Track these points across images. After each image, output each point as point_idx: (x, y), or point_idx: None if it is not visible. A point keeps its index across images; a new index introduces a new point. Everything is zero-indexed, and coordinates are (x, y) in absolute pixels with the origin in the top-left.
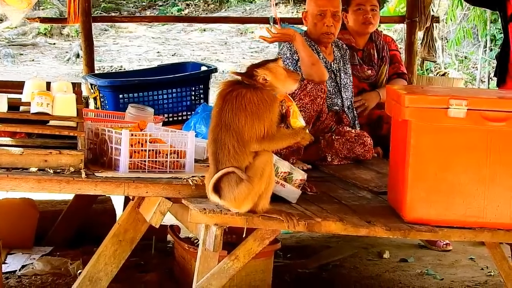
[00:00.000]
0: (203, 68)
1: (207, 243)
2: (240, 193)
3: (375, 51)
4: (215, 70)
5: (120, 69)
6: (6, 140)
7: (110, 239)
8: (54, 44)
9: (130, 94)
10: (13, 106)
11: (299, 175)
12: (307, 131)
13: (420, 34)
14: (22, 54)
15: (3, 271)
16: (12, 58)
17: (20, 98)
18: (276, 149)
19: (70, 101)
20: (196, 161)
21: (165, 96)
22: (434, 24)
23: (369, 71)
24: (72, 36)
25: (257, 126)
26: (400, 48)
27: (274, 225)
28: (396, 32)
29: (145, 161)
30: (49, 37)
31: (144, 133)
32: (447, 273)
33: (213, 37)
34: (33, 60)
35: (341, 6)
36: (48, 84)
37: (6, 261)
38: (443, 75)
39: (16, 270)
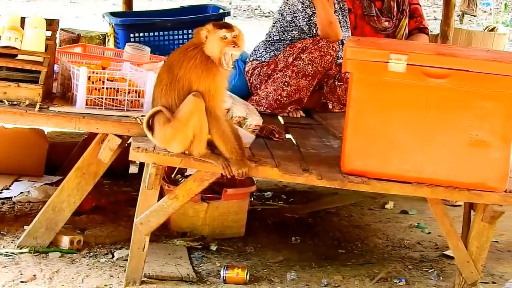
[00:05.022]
0: (221, 11)
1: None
2: (166, 133)
3: (395, 3)
4: (227, 13)
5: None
6: None
7: (74, 171)
8: None
9: (141, 34)
10: None
11: (254, 121)
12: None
13: None
14: None
15: (3, 197)
16: None
17: None
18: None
19: (39, 37)
20: None
21: (175, 37)
22: None
23: (387, 23)
24: None
25: (195, 80)
26: None
27: (211, 167)
28: None
29: (102, 98)
30: None
31: (101, 71)
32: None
33: None
34: None
35: None
36: (24, 19)
37: (10, 187)
38: (492, 30)
39: (12, 197)
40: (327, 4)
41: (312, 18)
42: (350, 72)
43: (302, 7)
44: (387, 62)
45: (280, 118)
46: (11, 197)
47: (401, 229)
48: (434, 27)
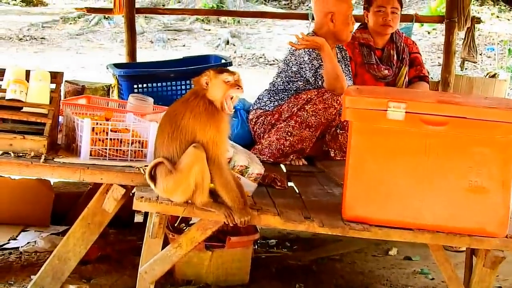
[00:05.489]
0: (223, 61)
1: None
2: (169, 185)
3: (395, 52)
4: (229, 63)
5: (261, 57)
6: None
7: (79, 221)
8: (209, 30)
9: (144, 84)
10: None
11: (256, 169)
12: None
13: (461, 35)
14: (176, 39)
15: (10, 247)
16: (163, 43)
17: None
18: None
19: (43, 89)
20: None
21: (178, 87)
22: (475, 24)
23: (386, 71)
24: (228, 23)
25: (199, 129)
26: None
27: (214, 216)
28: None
29: (106, 149)
30: (206, 23)
31: (105, 122)
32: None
33: None
34: (184, 45)
35: (364, 5)
36: (29, 72)
37: (17, 237)
38: (493, 76)
39: (19, 247)
40: (334, 58)
41: (318, 70)
42: (350, 120)
43: (309, 58)
44: (386, 110)
45: (282, 166)
46: (18, 247)
47: (404, 275)
48: (439, 73)
